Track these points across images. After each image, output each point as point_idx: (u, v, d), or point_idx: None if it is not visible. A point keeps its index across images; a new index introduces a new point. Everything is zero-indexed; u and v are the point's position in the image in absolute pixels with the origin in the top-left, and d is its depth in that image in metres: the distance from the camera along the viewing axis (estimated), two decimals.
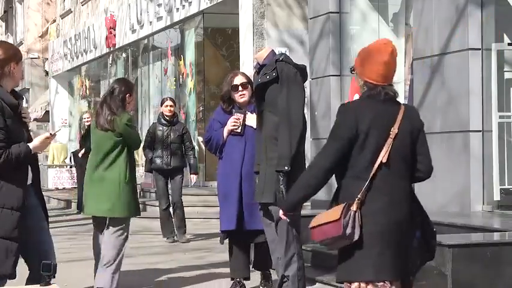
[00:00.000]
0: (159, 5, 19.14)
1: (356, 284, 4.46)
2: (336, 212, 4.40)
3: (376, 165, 4.38)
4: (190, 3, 17.49)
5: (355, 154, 4.43)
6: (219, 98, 7.70)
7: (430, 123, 9.56)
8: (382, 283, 4.42)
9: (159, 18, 19.34)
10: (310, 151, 11.79)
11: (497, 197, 9.00)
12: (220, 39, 18.34)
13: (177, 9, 18.22)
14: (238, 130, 7.35)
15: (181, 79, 19.42)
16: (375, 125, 4.42)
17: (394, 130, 4.43)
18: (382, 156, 4.39)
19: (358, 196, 4.35)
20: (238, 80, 7.40)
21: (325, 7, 11.65)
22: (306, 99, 6.82)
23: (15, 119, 5.02)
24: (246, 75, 7.51)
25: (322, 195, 12.07)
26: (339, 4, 11.60)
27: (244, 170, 7.29)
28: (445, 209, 9.22)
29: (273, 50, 6.84)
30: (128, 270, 8.59)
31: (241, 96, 7.37)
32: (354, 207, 4.35)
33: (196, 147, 18.34)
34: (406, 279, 4.56)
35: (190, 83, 18.78)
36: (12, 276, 5.08)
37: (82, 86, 27.89)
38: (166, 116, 11.65)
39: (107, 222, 7.70)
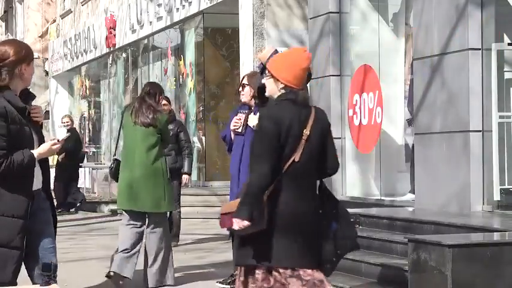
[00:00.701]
0: (159, 5, 19.14)
1: (259, 270, 4.80)
2: None
3: (288, 164, 4.76)
4: (190, 3, 17.49)
5: None
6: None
7: (430, 123, 9.56)
8: (283, 270, 4.76)
9: (159, 18, 19.34)
10: None
11: (497, 197, 9.00)
12: (220, 39, 18.34)
13: (177, 9, 18.22)
14: (239, 130, 7.49)
15: (181, 79, 19.41)
16: (292, 127, 4.79)
17: (306, 132, 4.82)
18: (295, 156, 4.78)
19: (268, 189, 4.71)
20: (244, 80, 7.63)
21: (325, 7, 11.65)
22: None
23: (23, 123, 4.92)
24: (250, 75, 7.63)
25: None
26: (339, 4, 11.59)
27: (242, 170, 7.38)
28: (445, 209, 9.22)
29: (276, 49, 6.85)
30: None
31: (241, 96, 7.58)
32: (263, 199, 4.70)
33: (199, 146, 18.34)
34: (322, 267, 4.90)
35: (190, 83, 18.78)
36: (12, 284, 5.03)
37: (82, 86, 27.88)
38: None
39: (149, 217, 7.96)
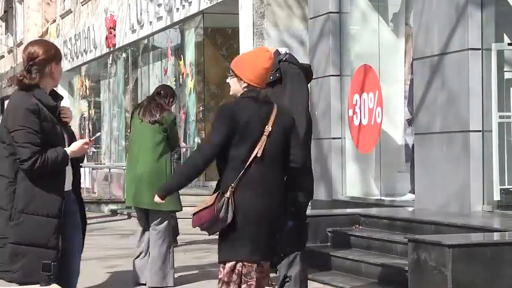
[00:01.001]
0: (159, 5, 19.14)
1: (231, 263, 5.01)
2: (211, 198, 4.97)
3: (250, 159, 4.93)
4: (190, 3, 17.49)
5: (234, 149, 4.94)
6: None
7: (430, 123, 9.56)
8: (255, 264, 4.98)
9: (159, 18, 19.34)
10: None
11: (497, 197, 9.00)
12: (220, 39, 18.34)
13: (177, 9, 18.22)
14: None
15: (181, 79, 19.41)
16: (251, 123, 4.96)
17: (268, 128, 5.00)
18: (256, 151, 4.94)
19: (232, 184, 4.90)
20: None
21: (325, 7, 11.65)
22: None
23: (54, 121, 4.94)
24: None
25: (322, 195, 12.12)
26: (339, 4, 11.59)
27: None
28: (445, 209, 9.22)
29: (277, 49, 6.85)
30: (128, 270, 8.59)
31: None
32: (227, 194, 4.89)
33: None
34: (271, 260, 5.13)
35: (190, 83, 18.78)
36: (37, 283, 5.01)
37: (82, 86, 27.89)
38: None
39: (151, 215, 7.99)
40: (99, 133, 24.73)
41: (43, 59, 4.96)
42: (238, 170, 4.91)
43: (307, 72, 6.66)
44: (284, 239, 5.17)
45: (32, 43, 5.10)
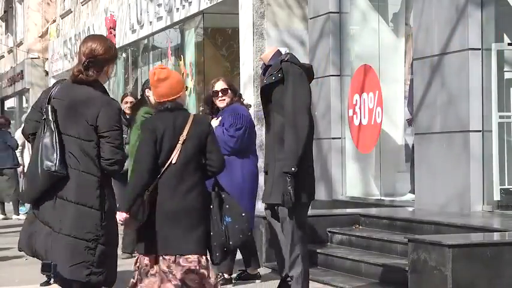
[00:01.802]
0: (159, 5, 19.13)
1: (148, 257, 5.53)
2: None
3: (165, 166, 5.49)
4: (190, 3, 17.48)
5: (159, 157, 5.53)
6: (203, 101, 8.47)
7: (430, 123, 9.56)
8: (167, 257, 5.47)
9: (159, 18, 19.33)
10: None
11: (497, 197, 9.00)
12: (220, 39, 18.32)
13: (177, 9, 18.21)
14: None
15: None
16: (167, 133, 5.52)
17: (183, 136, 5.54)
18: (172, 158, 5.50)
19: (149, 189, 5.43)
20: (219, 86, 7.95)
21: (325, 7, 11.65)
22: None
23: None
24: (227, 80, 8.07)
25: (322, 195, 12.11)
26: (339, 4, 11.59)
27: None
28: (445, 209, 9.22)
29: (278, 49, 6.86)
30: (128, 270, 8.57)
31: (221, 102, 7.92)
32: (144, 197, 5.42)
33: None
34: (211, 255, 5.62)
35: (190, 83, 18.77)
36: (112, 284, 5.03)
37: None
38: (126, 114, 10.28)
39: None
40: None
41: (103, 58, 4.89)
42: (157, 175, 5.50)
43: (308, 72, 6.67)
44: (223, 234, 5.61)
45: (94, 39, 4.98)
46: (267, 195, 6.62)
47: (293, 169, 6.29)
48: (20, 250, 4.89)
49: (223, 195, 5.72)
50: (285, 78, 6.48)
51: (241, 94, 8.28)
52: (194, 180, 5.57)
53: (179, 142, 5.54)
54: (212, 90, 7.98)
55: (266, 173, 6.68)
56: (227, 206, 5.69)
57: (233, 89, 8.03)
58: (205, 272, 5.56)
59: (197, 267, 5.52)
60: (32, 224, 4.78)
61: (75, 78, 4.80)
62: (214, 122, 7.82)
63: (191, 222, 5.52)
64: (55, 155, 4.65)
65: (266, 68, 6.78)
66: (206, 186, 5.69)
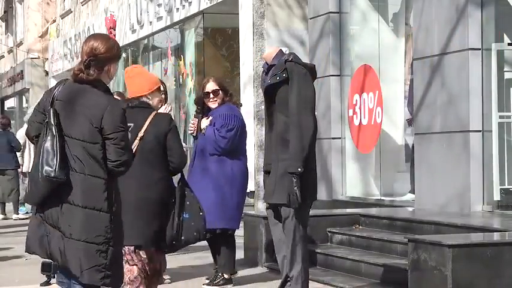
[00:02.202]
0: (159, 5, 19.13)
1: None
2: None
3: None
4: (190, 3, 17.48)
5: None
6: (194, 102, 8.51)
7: (430, 123, 9.56)
8: (127, 247, 5.75)
9: (159, 18, 19.34)
10: None
11: (497, 197, 9.00)
12: (220, 39, 18.32)
13: (177, 9, 18.21)
14: (194, 134, 8.02)
15: (181, 79, 19.41)
16: (131, 130, 5.69)
17: (141, 133, 5.84)
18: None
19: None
20: (210, 87, 7.90)
21: (325, 7, 11.65)
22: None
23: None
24: (218, 81, 8.00)
25: (322, 195, 12.12)
26: (339, 4, 11.59)
27: (192, 172, 7.87)
28: (445, 209, 9.22)
29: (281, 49, 6.85)
30: None
31: (213, 103, 7.89)
32: None
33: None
34: (159, 248, 5.87)
35: (190, 83, 18.77)
36: (120, 284, 4.98)
37: None
38: None
39: None
40: None
41: (105, 57, 4.76)
42: None
43: (312, 72, 6.67)
44: (177, 229, 5.81)
45: (96, 37, 4.87)
46: (269, 194, 6.60)
47: (299, 169, 6.29)
48: (30, 253, 4.82)
49: (186, 192, 5.90)
50: (290, 78, 6.47)
51: (232, 93, 8.13)
52: (154, 173, 5.84)
53: (137, 138, 5.83)
54: (203, 92, 7.93)
55: (266, 172, 6.67)
56: (187, 203, 5.87)
57: (224, 89, 7.95)
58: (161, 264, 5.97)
59: (148, 260, 5.88)
60: (41, 226, 4.74)
61: (76, 77, 4.74)
62: (205, 122, 7.83)
63: (155, 214, 5.78)
64: (55, 160, 4.62)
65: (269, 67, 6.76)
66: (170, 181, 5.92)
